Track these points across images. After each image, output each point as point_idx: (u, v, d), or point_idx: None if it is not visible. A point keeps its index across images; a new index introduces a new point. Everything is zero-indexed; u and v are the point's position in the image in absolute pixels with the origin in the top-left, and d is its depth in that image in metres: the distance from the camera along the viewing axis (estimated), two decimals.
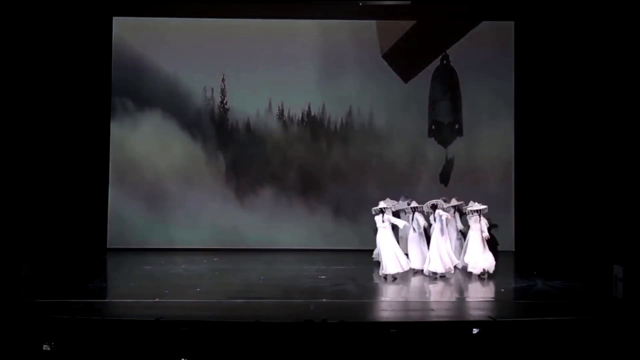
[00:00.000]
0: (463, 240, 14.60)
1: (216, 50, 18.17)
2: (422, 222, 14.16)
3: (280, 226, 18.06)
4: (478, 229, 13.83)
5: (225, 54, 18.18)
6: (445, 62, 18.32)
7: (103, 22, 17.82)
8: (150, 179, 18.09)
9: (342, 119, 18.36)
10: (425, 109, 18.36)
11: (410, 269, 14.03)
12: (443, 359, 9.09)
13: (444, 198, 15.07)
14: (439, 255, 13.83)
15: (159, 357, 9.05)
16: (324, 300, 11.81)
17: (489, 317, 10.15)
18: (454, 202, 14.78)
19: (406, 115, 18.21)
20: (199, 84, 18.25)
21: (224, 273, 14.85)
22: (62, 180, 17.06)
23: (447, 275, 13.93)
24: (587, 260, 15.04)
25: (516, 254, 17.34)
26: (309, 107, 18.34)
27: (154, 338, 9.13)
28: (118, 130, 18.12)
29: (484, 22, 18.19)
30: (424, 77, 18.33)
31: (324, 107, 18.33)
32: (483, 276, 13.79)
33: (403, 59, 18.25)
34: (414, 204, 14.51)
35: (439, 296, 12.82)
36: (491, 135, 18.18)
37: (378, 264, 14.13)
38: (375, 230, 14.07)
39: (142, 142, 18.14)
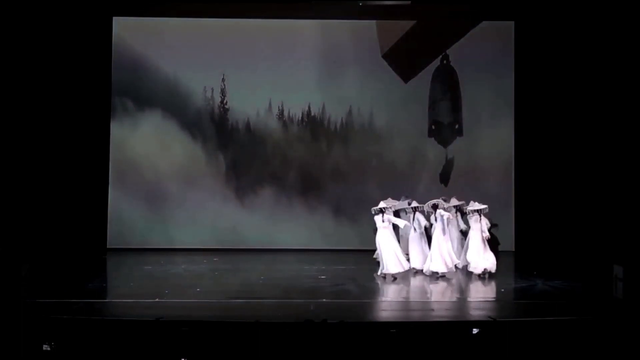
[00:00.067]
0: (464, 240, 14.59)
1: (216, 50, 18.17)
2: (424, 221, 14.17)
3: (280, 226, 18.06)
4: (478, 228, 13.83)
5: (225, 54, 18.19)
6: (445, 62, 18.32)
7: (103, 22, 17.83)
8: (150, 179, 18.09)
9: (342, 119, 18.37)
10: (425, 109, 18.36)
11: (410, 268, 14.04)
12: (443, 359, 9.09)
13: (443, 198, 15.06)
14: (441, 255, 13.84)
15: (159, 357, 9.04)
16: (324, 300, 11.81)
17: (489, 317, 10.15)
18: (454, 202, 14.78)
19: (406, 115, 18.22)
20: (199, 84, 18.25)
21: (224, 273, 14.85)
22: (62, 180, 17.06)
23: (447, 275, 13.92)
24: (587, 260, 15.03)
25: (516, 254, 17.34)
26: (309, 107, 18.34)
27: (154, 338, 9.12)
28: (118, 130, 18.12)
29: (484, 22, 18.20)
30: (424, 77, 18.34)
31: (324, 107, 18.33)
32: (483, 276, 13.79)
33: (403, 59, 18.25)
34: (414, 203, 14.53)
35: (439, 296, 12.81)
36: (491, 135, 18.19)
37: (379, 264, 14.12)
38: (375, 230, 14.07)
39: (142, 142, 18.14)
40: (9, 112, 16.10)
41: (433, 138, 18.35)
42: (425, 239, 14.25)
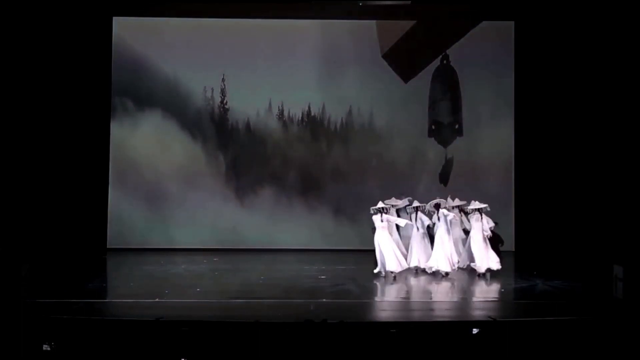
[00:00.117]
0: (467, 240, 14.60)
1: (216, 50, 18.17)
2: (427, 221, 14.21)
3: (280, 226, 18.06)
4: (479, 227, 13.83)
5: (225, 54, 18.19)
6: (445, 62, 18.32)
7: (103, 22, 17.83)
8: (150, 179, 18.09)
9: (342, 119, 18.37)
10: (425, 109, 18.37)
11: (409, 267, 14.07)
12: (443, 359, 9.09)
13: (440, 199, 15.05)
14: (445, 254, 13.85)
15: (159, 357, 9.04)
16: (324, 300, 11.80)
17: (489, 317, 10.14)
18: (457, 202, 14.78)
19: (406, 115, 18.22)
20: (199, 84, 18.25)
21: (224, 273, 14.84)
22: (62, 180, 17.06)
23: (450, 275, 13.93)
24: (587, 260, 15.03)
25: (516, 254, 17.33)
26: (309, 107, 18.35)
27: (154, 338, 9.12)
28: (118, 130, 18.13)
29: (484, 22, 18.20)
30: (424, 77, 18.35)
31: (324, 107, 18.34)
32: (485, 275, 13.79)
33: (403, 59, 18.26)
34: (416, 203, 14.55)
35: (439, 296, 12.82)
36: (491, 135, 18.19)
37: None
38: (374, 229, 14.07)
39: (142, 142, 18.14)
40: (9, 112, 16.10)
41: (433, 138, 18.35)
42: (428, 238, 14.28)
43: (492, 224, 14.17)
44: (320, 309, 10.77)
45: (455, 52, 18.27)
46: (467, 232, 14.42)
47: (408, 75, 18.29)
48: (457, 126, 18.36)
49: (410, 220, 14.41)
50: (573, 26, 16.92)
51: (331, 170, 18.33)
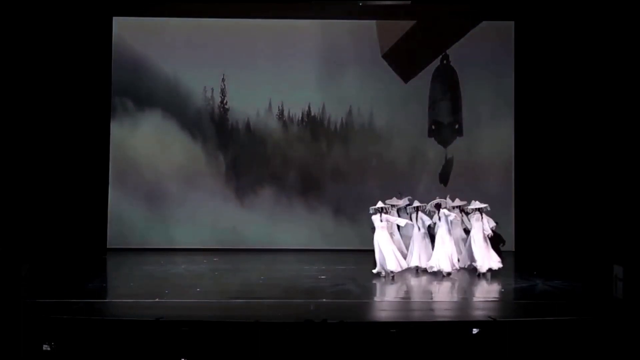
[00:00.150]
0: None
1: (216, 50, 18.17)
2: (427, 220, 14.23)
3: (280, 226, 18.06)
4: (480, 227, 13.85)
5: (225, 54, 18.19)
6: (445, 62, 18.32)
7: (103, 22, 17.83)
8: (150, 179, 18.09)
9: (342, 119, 18.37)
10: (425, 109, 18.37)
11: (409, 266, 14.08)
12: (443, 359, 9.09)
13: (441, 199, 15.06)
14: (446, 254, 13.86)
15: (159, 357, 9.04)
16: (324, 300, 11.80)
17: (489, 317, 10.14)
18: (457, 202, 14.78)
19: (406, 115, 18.23)
20: (199, 84, 18.25)
21: (224, 273, 14.84)
22: (62, 180, 17.06)
23: (451, 274, 13.94)
24: (587, 260, 15.03)
25: (516, 254, 17.32)
26: (309, 107, 18.35)
27: (154, 338, 9.12)
28: (118, 130, 18.13)
29: (484, 22, 18.20)
30: (424, 77, 18.35)
31: (324, 107, 18.34)
32: (485, 275, 13.80)
33: (403, 59, 18.26)
34: (416, 203, 14.56)
35: (439, 296, 12.82)
36: (491, 135, 18.19)
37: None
38: (373, 229, 14.08)
39: (142, 142, 18.14)
40: (9, 112, 16.10)
41: (433, 138, 18.35)
42: (429, 238, 14.29)
43: (493, 224, 14.18)
44: (320, 309, 10.78)
45: (455, 52, 18.27)
46: (467, 231, 14.43)
47: (408, 75, 18.29)
48: (457, 126, 18.36)
49: (411, 220, 14.43)
50: (573, 26, 16.92)
51: (331, 170, 18.33)
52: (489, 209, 14.11)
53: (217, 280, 14.11)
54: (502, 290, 13.10)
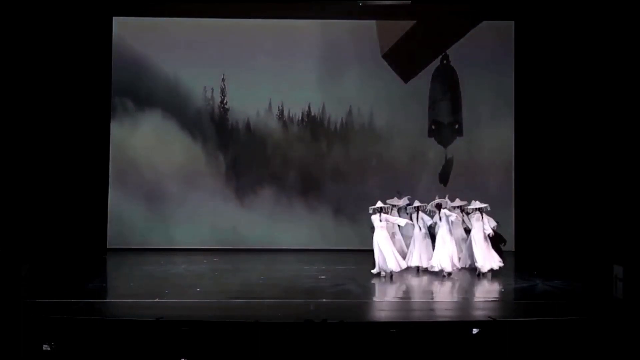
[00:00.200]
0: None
1: (216, 50, 18.17)
2: (428, 220, 14.24)
3: (280, 226, 18.06)
4: (480, 227, 13.87)
5: (225, 54, 18.19)
6: (445, 62, 18.32)
7: (103, 22, 17.83)
8: (150, 179, 18.10)
9: (342, 119, 18.37)
10: (425, 109, 18.37)
11: (409, 266, 14.09)
12: (443, 359, 9.09)
13: (441, 199, 15.06)
14: (447, 253, 13.87)
15: (159, 357, 9.04)
16: (324, 300, 11.80)
17: (489, 317, 10.14)
18: (457, 202, 14.79)
19: (406, 115, 18.22)
20: (199, 84, 18.26)
21: (224, 273, 14.85)
22: (62, 180, 17.06)
23: (452, 274, 13.95)
24: (587, 260, 15.03)
25: (516, 254, 17.32)
26: (309, 107, 18.35)
27: (154, 338, 9.12)
28: (118, 130, 18.13)
29: (484, 22, 18.20)
30: (424, 77, 18.35)
31: (324, 107, 18.34)
32: (486, 274, 13.80)
33: (403, 59, 18.26)
34: (416, 203, 14.57)
35: (439, 296, 12.82)
36: (491, 135, 18.20)
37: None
38: (372, 229, 14.08)
39: (142, 142, 18.14)
40: (9, 112, 16.09)
41: (433, 138, 18.36)
42: (429, 238, 14.30)
43: (494, 223, 14.19)
44: (320, 309, 10.78)
45: (455, 52, 18.27)
46: (468, 231, 14.44)
47: (408, 75, 18.29)
48: (457, 126, 18.36)
49: (411, 219, 14.44)
50: (573, 26, 16.91)
51: (331, 170, 18.33)
52: (489, 208, 14.14)
53: (217, 280, 14.11)
54: (502, 290, 13.11)
